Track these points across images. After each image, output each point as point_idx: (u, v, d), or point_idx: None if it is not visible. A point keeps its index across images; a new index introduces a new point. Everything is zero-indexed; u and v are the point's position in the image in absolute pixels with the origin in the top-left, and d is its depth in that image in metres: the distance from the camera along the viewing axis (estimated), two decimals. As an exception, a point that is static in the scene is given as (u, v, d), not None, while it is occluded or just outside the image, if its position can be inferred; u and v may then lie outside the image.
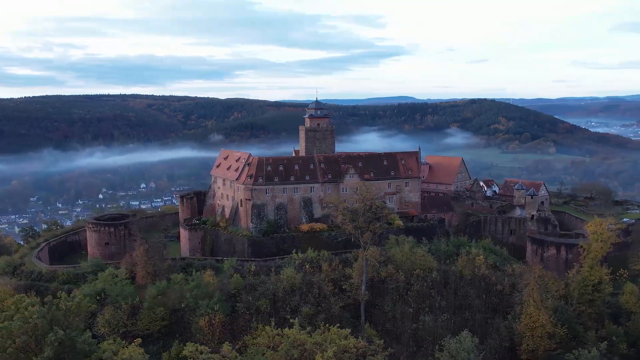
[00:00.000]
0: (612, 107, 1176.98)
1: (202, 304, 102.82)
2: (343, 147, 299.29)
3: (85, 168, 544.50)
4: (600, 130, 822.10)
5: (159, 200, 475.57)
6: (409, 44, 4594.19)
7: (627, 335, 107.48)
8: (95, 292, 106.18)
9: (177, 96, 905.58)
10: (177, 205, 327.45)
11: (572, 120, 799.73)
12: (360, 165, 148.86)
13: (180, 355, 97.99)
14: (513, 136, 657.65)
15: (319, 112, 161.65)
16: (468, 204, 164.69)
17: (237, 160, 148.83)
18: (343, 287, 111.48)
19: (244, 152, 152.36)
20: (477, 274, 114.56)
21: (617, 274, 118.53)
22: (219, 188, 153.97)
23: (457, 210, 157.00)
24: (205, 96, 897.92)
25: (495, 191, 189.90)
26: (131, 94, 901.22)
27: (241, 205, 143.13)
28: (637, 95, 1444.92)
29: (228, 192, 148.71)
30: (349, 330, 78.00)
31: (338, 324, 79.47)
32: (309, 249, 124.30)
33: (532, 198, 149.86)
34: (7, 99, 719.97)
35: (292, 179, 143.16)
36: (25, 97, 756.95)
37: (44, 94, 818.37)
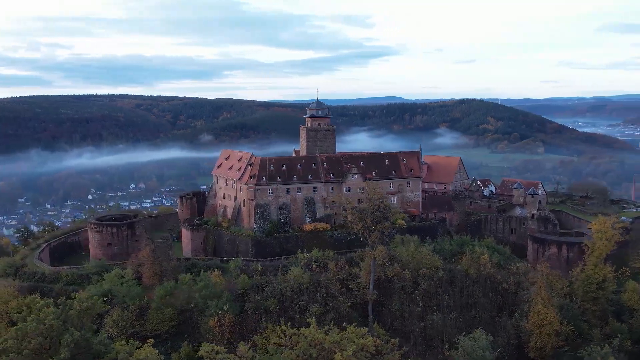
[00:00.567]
0: (599, 107, 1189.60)
1: (211, 304, 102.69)
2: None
3: (73, 169, 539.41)
4: (588, 130, 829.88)
5: (149, 200, 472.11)
6: (397, 44, 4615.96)
7: (630, 332, 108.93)
8: (102, 293, 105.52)
9: (165, 96, 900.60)
10: (169, 205, 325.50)
11: (559, 121, 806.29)
12: (362, 165, 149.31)
13: (190, 356, 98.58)
14: (502, 136, 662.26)
15: (320, 112, 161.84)
16: (467, 204, 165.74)
17: (239, 160, 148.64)
18: (350, 286, 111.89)
19: (246, 152, 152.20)
20: (482, 272, 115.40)
21: (619, 271, 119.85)
22: (220, 188, 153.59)
23: (458, 209, 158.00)
24: (194, 96, 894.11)
25: (492, 191, 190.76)
26: (119, 94, 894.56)
27: (244, 205, 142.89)
28: (623, 95, 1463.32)
29: (230, 192, 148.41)
30: (367, 329, 78.29)
31: (355, 323, 79.31)
32: (314, 248, 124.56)
33: (532, 197, 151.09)
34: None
35: (294, 178, 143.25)
36: (12, 97, 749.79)
37: (31, 94, 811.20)
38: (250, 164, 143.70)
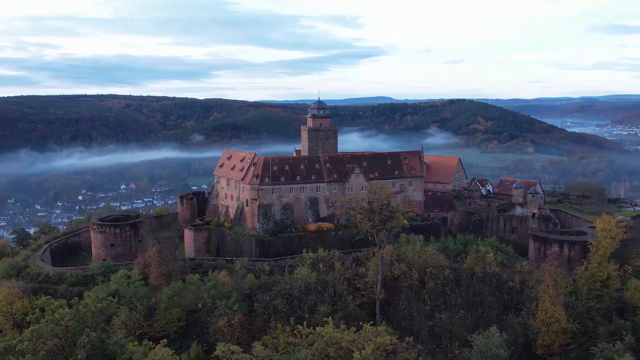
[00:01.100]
0: (587, 107, 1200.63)
1: (220, 304, 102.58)
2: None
3: (63, 169, 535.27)
4: (576, 130, 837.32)
5: (140, 201, 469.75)
6: (386, 44, 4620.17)
7: (634, 329, 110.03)
8: (109, 293, 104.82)
9: (155, 96, 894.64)
10: (163, 206, 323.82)
11: (548, 121, 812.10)
12: (365, 164, 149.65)
13: (200, 356, 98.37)
14: (492, 136, 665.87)
15: (321, 112, 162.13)
16: (467, 203, 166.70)
17: (241, 160, 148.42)
18: (357, 285, 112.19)
19: (249, 152, 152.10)
20: (488, 271, 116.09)
21: (622, 269, 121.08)
22: (222, 188, 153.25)
23: (459, 209, 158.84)
24: (183, 96, 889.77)
25: (489, 190, 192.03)
26: (108, 94, 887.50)
27: (247, 205, 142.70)
28: (610, 95, 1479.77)
29: (233, 192, 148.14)
30: (384, 328, 78.62)
31: (372, 322, 79.61)
32: (320, 248, 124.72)
33: (533, 196, 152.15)
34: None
35: (297, 178, 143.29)
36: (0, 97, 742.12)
37: (19, 94, 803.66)
38: (253, 164, 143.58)
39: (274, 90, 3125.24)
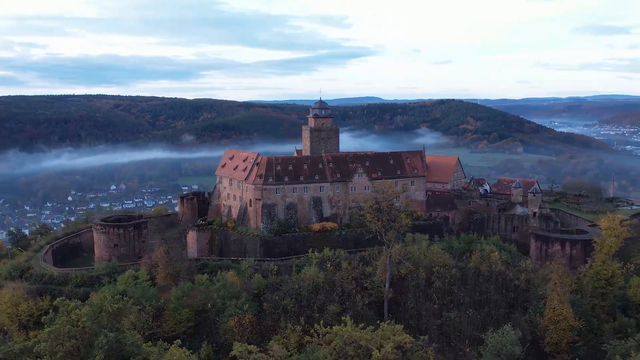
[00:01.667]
0: (575, 107, 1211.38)
1: (229, 304, 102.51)
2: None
3: (52, 170, 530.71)
4: (564, 130, 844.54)
5: (130, 202, 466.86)
6: (374, 44, 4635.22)
7: (638, 326, 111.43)
8: (116, 294, 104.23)
9: (144, 96, 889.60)
10: (157, 206, 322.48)
11: (536, 121, 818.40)
12: (367, 164, 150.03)
13: (210, 356, 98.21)
14: (481, 136, 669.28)
15: (323, 112, 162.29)
16: (466, 202, 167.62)
17: (244, 160, 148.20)
18: (365, 285, 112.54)
19: (252, 152, 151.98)
20: (493, 270, 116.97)
21: (625, 267, 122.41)
22: (224, 188, 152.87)
23: (460, 208, 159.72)
24: (172, 96, 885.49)
25: (486, 190, 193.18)
26: (97, 94, 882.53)
27: (250, 206, 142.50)
28: (598, 95, 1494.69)
29: (235, 193, 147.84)
30: (402, 326, 78.93)
31: (389, 321, 79.86)
32: (325, 247, 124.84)
33: (534, 196, 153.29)
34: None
35: (301, 178, 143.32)
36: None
37: (6, 94, 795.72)
38: (257, 164, 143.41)
39: (263, 91, 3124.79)
